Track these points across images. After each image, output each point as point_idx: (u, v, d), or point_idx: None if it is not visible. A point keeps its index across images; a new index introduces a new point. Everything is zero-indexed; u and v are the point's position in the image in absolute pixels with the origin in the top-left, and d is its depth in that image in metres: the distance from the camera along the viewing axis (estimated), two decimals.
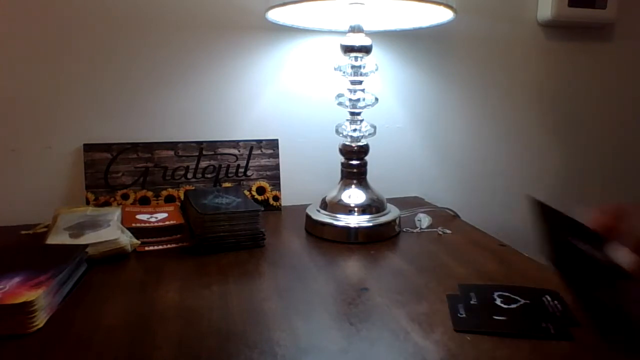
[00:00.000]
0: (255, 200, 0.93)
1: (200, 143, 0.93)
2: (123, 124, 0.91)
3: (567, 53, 1.15)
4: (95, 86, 0.89)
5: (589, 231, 0.43)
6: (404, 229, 0.84)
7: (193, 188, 0.91)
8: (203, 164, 0.92)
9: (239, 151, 0.94)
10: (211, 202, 0.77)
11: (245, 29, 0.94)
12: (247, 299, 0.58)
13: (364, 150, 0.83)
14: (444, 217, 0.92)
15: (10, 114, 0.86)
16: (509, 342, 0.49)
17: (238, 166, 0.94)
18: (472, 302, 0.57)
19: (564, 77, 1.16)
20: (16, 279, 0.55)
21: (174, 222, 0.77)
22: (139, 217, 0.79)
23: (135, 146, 0.89)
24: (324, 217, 0.82)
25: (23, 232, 0.80)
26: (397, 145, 1.07)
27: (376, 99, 0.82)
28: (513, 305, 0.56)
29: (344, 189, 0.83)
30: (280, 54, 0.97)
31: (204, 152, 0.92)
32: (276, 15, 0.84)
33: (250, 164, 0.95)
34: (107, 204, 0.87)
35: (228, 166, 0.94)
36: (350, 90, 0.81)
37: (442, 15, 0.81)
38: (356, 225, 0.79)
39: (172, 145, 0.91)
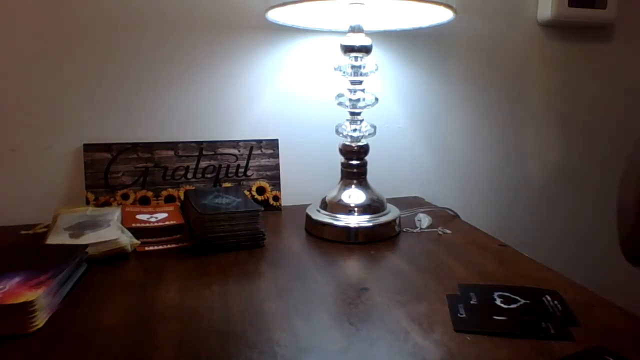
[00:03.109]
0: (255, 200, 0.93)
1: (200, 143, 0.93)
2: (123, 124, 0.91)
3: (567, 53, 1.15)
4: (95, 86, 0.89)
5: None
6: (404, 229, 0.84)
7: (193, 188, 0.91)
8: (203, 164, 0.92)
9: (239, 151, 0.94)
10: (211, 202, 0.77)
11: (245, 29, 0.94)
12: (247, 299, 0.58)
13: (364, 150, 0.83)
14: (444, 217, 0.92)
15: (10, 114, 0.86)
16: (509, 342, 0.49)
17: (238, 166, 0.94)
18: (472, 302, 0.57)
19: (564, 77, 1.16)
20: (16, 279, 0.55)
21: (174, 222, 0.77)
22: (139, 217, 0.79)
23: (135, 146, 0.89)
24: (324, 217, 0.82)
25: (23, 232, 0.80)
26: (397, 145, 1.07)
27: (376, 99, 0.82)
28: (513, 305, 0.56)
29: (344, 189, 0.83)
30: (280, 54, 0.97)
31: (204, 152, 0.92)
32: (276, 15, 0.84)
33: (250, 164, 0.95)
34: (107, 204, 0.87)
35: (228, 166, 0.94)
36: (350, 90, 0.81)
37: (442, 15, 0.81)
38: (356, 225, 0.79)
39: (172, 145, 0.91)
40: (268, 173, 0.95)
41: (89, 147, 0.88)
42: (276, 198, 0.95)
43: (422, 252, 0.75)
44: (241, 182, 0.94)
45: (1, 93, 0.85)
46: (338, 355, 0.47)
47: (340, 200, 0.82)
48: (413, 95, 1.06)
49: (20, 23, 0.84)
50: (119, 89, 0.90)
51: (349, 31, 0.81)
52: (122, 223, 0.75)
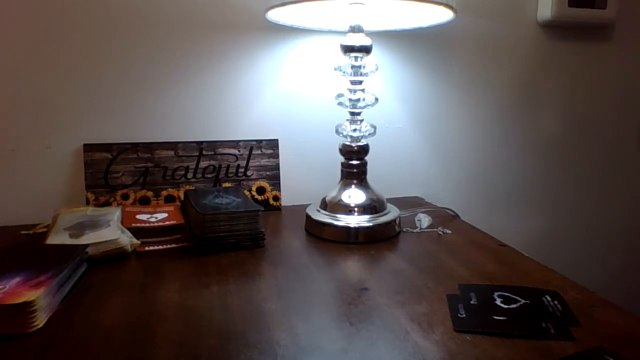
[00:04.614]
0: (255, 200, 0.93)
1: (200, 143, 0.93)
2: (123, 124, 0.91)
3: (567, 53, 1.15)
4: (95, 86, 0.89)
5: None
6: (404, 229, 0.84)
7: (193, 188, 0.91)
8: (203, 164, 0.92)
9: (239, 151, 0.94)
10: (211, 202, 0.77)
11: (245, 29, 0.94)
12: (247, 299, 0.58)
13: (364, 150, 0.83)
14: (444, 217, 0.92)
15: (10, 114, 0.86)
16: (509, 342, 0.49)
17: (238, 166, 0.94)
18: (472, 302, 0.57)
19: (564, 77, 1.16)
20: (16, 279, 0.55)
21: (174, 222, 0.77)
22: (139, 217, 0.79)
23: (135, 146, 0.89)
24: (324, 217, 0.82)
25: (23, 232, 0.80)
26: (397, 145, 1.07)
27: (376, 99, 0.82)
28: (513, 305, 0.56)
29: (344, 189, 0.83)
30: (280, 54, 0.97)
31: (204, 152, 0.92)
32: (276, 15, 0.84)
33: (250, 164, 0.95)
34: (107, 204, 0.87)
35: (228, 166, 0.94)
36: (350, 90, 0.81)
37: (442, 15, 0.81)
38: (356, 225, 0.79)
39: (172, 145, 0.91)
40: (268, 173, 0.95)
41: (89, 147, 0.88)
42: (276, 198, 0.95)
43: (422, 252, 0.75)
44: (241, 182, 0.94)
45: (1, 93, 0.85)
46: (338, 355, 0.47)
47: (340, 200, 0.82)
48: (413, 95, 1.06)
49: (21, 23, 0.84)
50: (119, 89, 0.90)
51: (349, 31, 0.81)
52: (122, 223, 0.75)
